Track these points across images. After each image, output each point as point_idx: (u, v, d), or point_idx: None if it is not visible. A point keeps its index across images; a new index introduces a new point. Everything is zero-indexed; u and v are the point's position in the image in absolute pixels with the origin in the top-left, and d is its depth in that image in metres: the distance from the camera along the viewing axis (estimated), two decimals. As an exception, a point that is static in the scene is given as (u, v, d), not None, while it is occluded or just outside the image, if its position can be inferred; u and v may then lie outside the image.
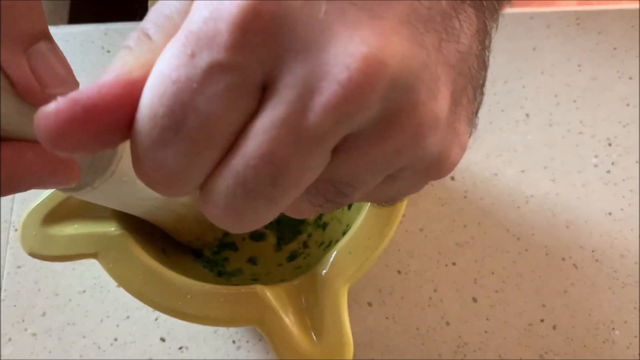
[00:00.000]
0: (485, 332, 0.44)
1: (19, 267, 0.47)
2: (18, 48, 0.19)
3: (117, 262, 0.30)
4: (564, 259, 0.46)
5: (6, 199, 0.49)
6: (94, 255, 0.30)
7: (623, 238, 0.46)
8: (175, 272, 0.30)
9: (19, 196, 0.49)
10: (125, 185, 0.26)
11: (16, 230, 0.47)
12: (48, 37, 0.20)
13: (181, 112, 0.15)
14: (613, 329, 0.44)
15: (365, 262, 0.30)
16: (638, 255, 0.45)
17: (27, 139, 0.19)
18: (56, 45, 0.20)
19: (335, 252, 0.30)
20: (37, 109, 0.17)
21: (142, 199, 0.29)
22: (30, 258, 0.46)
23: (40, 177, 0.19)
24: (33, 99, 0.19)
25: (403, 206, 0.31)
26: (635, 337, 0.43)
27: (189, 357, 0.44)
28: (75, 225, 0.31)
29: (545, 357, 0.43)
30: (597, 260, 0.46)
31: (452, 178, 0.48)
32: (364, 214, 0.31)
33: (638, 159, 0.48)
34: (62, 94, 0.16)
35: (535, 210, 0.47)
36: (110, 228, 0.31)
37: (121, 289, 0.45)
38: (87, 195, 0.25)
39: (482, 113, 0.50)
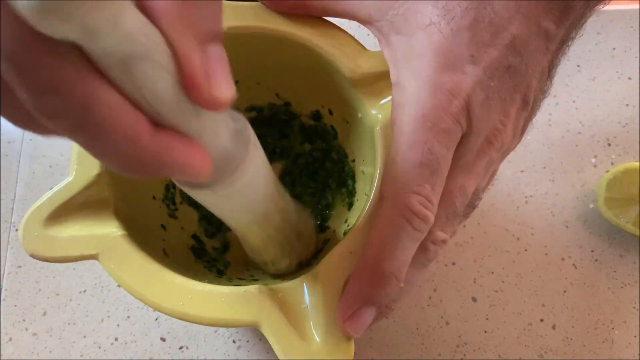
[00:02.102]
0: (485, 331, 0.44)
1: (19, 266, 0.47)
2: (197, 44, 0.19)
3: (118, 263, 0.30)
4: (563, 259, 0.46)
5: (6, 199, 0.49)
6: (95, 257, 0.30)
7: (622, 238, 0.46)
8: (175, 272, 0.30)
9: (19, 196, 0.49)
10: (238, 195, 0.27)
11: (17, 230, 0.47)
12: (220, 40, 0.20)
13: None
14: (612, 328, 0.44)
15: (365, 263, 0.30)
16: (637, 255, 0.46)
17: (175, 128, 0.20)
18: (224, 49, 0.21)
19: (336, 252, 0.30)
20: (190, 104, 0.20)
21: (246, 211, 0.30)
22: (31, 258, 0.47)
23: (181, 166, 0.20)
24: (196, 95, 0.19)
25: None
26: (635, 336, 0.44)
27: (190, 357, 0.44)
28: (77, 227, 0.31)
29: (544, 356, 0.43)
30: (596, 260, 0.46)
31: (452, 178, 0.48)
32: (364, 214, 0.31)
33: (637, 159, 0.48)
34: (223, 98, 0.19)
35: (534, 210, 0.47)
36: (111, 229, 0.31)
37: (122, 289, 0.45)
38: (201, 196, 0.26)
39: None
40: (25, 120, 0.19)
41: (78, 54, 0.17)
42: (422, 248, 0.29)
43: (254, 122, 0.33)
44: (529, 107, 0.30)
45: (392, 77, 0.30)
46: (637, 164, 0.44)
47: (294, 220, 0.36)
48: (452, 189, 0.29)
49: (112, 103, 0.17)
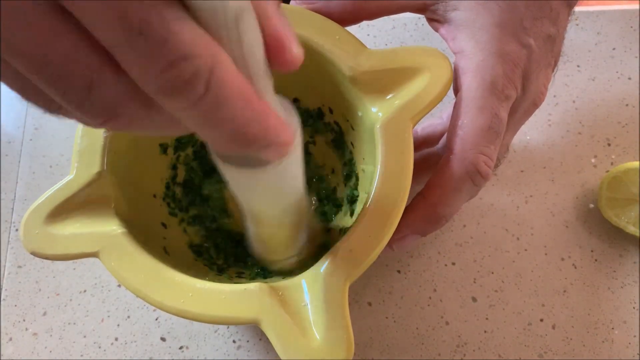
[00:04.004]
0: (485, 331, 0.44)
1: (19, 266, 0.47)
2: (275, 7, 0.19)
3: (118, 261, 0.30)
4: (563, 259, 0.46)
5: (6, 199, 0.49)
6: (95, 254, 0.30)
7: (622, 238, 0.46)
8: (176, 270, 0.30)
9: (19, 196, 0.49)
10: (280, 177, 0.26)
11: (17, 230, 0.47)
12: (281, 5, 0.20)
13: None
14: (612, 328, 0.44)
15: (365, 260, 0.30)
16: (637, 255, 0.46)
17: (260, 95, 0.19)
18: None
19: (336, 250, 0.30)
20: (270, 75, 0.20)
21: (280, 197, 0.29)
22: (31, 258, 0.47)
23: (276, 138, 0.19)
24: (282, 54, 0.19)
25: (403, 205, 0.31)
26: (635, 336, 0.44)
27: (190, 357, 0.44)
28: (77, 224, 0.31)
29: (544, 356, 0.43)
30: (596, 260, 0.46)
31: (452, 178, 0.48)
32: (364, 213, 0.31)
33: (637, 159, 0.48)
34: (301, 57, 0.20)
35: (534, 210, 0.47)
36: (112, 227, 0.31)
37: (122, 289, 0.46)
38: (249, 175, 0.25)
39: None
40: (115, 112, 0.17)
41: (189, 15, 0.16)
42: None
43: None
44: (556, 68, 0.36)
45: (455, 47, 0.34)
46: (638, 163, 0.44)
47: (309, 217, 0.36)
48: (501, 146, 0.33)
49: (230, 65, 0.17)
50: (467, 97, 0.32)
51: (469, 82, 0.32)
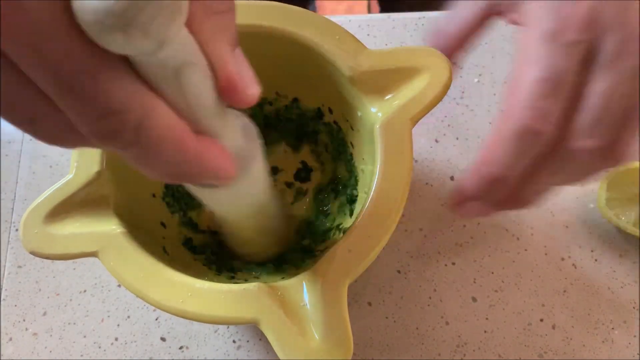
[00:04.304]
0: (485, 331, 0.44)
1: (19, 266, 0.47)
2: (230, 49, 0.20)
3: (118, 260, 0.30)
4: (563, 259, 0.46)
5: (6, 199, 0.49)
6: (94, 254, 0.31)
7: (622, 238, 0.46)
8: (175, 270, 0.30)
9: (19, 196, 0.49)
10: (243, 190, 0.28)
11: (17, 230, 0.47)
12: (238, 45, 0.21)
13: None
14: (612, 328, 0.44)
15: (364, 260, 0.30)
16: (637, 255, 0.46)
17: (207, 131, 0.21)
18: None
19: (335, 250, 0.30)
20: (219, 106, 0.21)
21: (247, 204, 0.32)
22: (31, 258, 0.47)
23: (217, 170, 0.21)
24: (234, 95, 0.21)
25: (402, 205, 0.31)
26: (635, 336, 0.44)
27: (190, 357, 0.44)
28: (77, 224, 0.31)
29: (544, 356, 0.43)
30: (596, 260, 0.46)
31: (452, 178, 0.48)
32: (363, 213, 0.31)
33: (637, 159, 0.48)
34: (255, 95, 0.21)
35: (534, 210, 0.47)
36: (111, 226, 0.31)
37: (122, 289, 0.46)
38: (210, 194, 0.27)
39: (481, 113, 0.51)
40: (59, 137, 0.19)
41: (130, 69, 0.17)
42: (560, 158, 0.30)
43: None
44: None
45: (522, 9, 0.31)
46: (638, 163, 0.44)
47: (281, 207, 0.38)
48: (589, 96, 0.29)
49: (164, 114, 0.18)
50: (522, 51, 0.30)
51: (525, 37, 0.30)
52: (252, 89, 0.21)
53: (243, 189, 0.28)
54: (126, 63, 0.17)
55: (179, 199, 0.41)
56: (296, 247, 0.41)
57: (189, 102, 0.19)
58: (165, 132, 0.18)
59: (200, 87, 0.19)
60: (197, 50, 0.19)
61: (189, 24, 0.18)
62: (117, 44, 0.15)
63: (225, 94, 0.21)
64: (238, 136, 0.25)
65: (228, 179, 0.21)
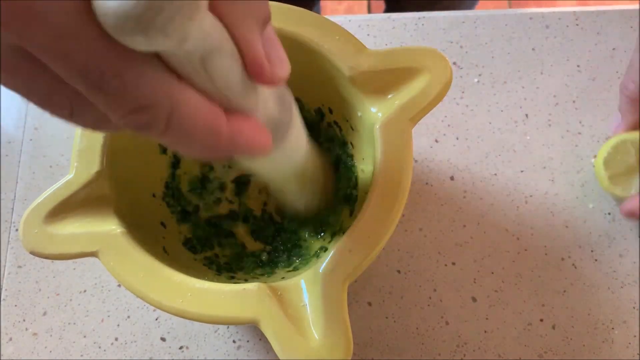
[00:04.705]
0: (485, 331, 0.44)
1: (19, 266, 0.47)
2: (257, 29, 0.21)
3: (117, 260, 0.30)
4: (563, 259, 0.46)
5: (6, 199, 0.49)
6: (94, 254, 0.31)
7: (622, 238, 0.46)
8: (175, 270, 0.30)
9: (19, 196, 0.49)
10: (284, 156, 0.29)
11: (17, 230, 0.47)
12: (271, 22, 0.22)
13: None
14: (612, 328, 0.44)
15: (364, 260, 0.30)
16: (637, 255, 0.46)
17: (239, 108, 0.21)
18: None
19: (334, 250, 0.30)
20: (250, 84, 0.21)
21: (288, 169, 0.33)
22: (31, 258, 0.47)
23: (250, 146, 0.21)
24: (261, 77, 0.21)
25: (402, 205, 0.31)
26: (635, 336, 0.44)
27: (190, 357, 0.44)
28: (77, 224, 0.31)
29: (544, 356, 0.43)
30: (596, 260, 0.46)
31: (452, 178, 0.48)
32: (363, 213, 0.31)
33: (637, 159, 0.48)
34: (283, 75, 0.21)
35: (534, 210, 0.47)
36: (111, 226, 0.31)
37: (122, 289, 0.46)
38: (252, 162, 0.29)
39: (481, 113, 0.51)
40: (99, 125, 0.20)
41: (157, 62, 0.18)
42: None
43: None
44: None
45: None
46: (621, 135, 0.45)
47: (322, 168, 0.39)
48: None
49: (194, 103, 0.19)
50: None
51: None
52: (280, 69, 0.21)
53: (282, 156, 0.29)
54: (153, 57, 0.18)
55: (179, 198, 0.41)
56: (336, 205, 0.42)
57: (217, 86, 0.20)
58: (196, 119, 0.19)
59: (227, 71, 0.20)
60: (223, 35, 0.19)
61: (217, 9, 0.19)
62: (139, 44, 0.16)
63: (253, 75, 0.21)
64: (272, 106, 0.25)
65: (264, 151, 0.22)
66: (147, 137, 0.19)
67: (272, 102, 0.25)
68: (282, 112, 0.26)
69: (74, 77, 0.17)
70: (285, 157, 0.30)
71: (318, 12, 0.90)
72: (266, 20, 0.21)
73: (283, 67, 0.22)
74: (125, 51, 0.16)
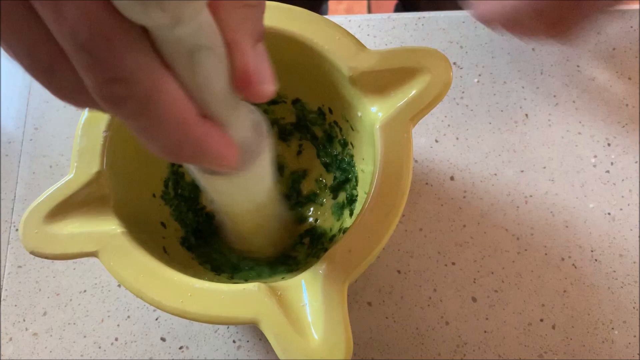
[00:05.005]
0: (485, 331, 0.44)
1: (19, 266, 0.47)
2: (251, 41, 0.21)
3: (117, 260, 0.30)
4: (563, 259, 0.46)
5: (6, 199, 0.49)
6: (94, 254, 0.31)
7: (622, 238, 0.46)
8: (175, 270, 0.30)
9: (19, 196, 0.49)
10: (246, 184, 0.29)
11: (17, 230, 0.47)
12: (264, 39, 0.22)
13: None
14: (612, 328, 0.44)
15: (364, 260, 0.30)
16: (637, 255, 0.46)
17: (214, 117, 0.21)
18: None
19: (335, 250, 0.30)
20: (231, 96, 0.21)
21: (247, 200, 0.32)
22: (31, 258, 0.47)
23: (216, 156, 0.21)
24: (247, 88, 0.21)
25: (402, 205, 0.31)
26: (635, 336, 0.44)
27: (190, 357, 0.44)
28: (76, 224, 0.31)
29: (544, 356, 0.43)
30: (596, 260, 0.46)
31: (452, 178, 0.48)
32: (363, 213, 0.31)
33: (637, 159, 0.48)
34: (269, 92, 0.21)
35: (534, 210, 0.47)
36: (111, 226, 0.31)
37: (122, 289, 0.46)
38: (213, 182, 0.28)
39: (481, 113, 0.51)
40: (71, 96, 0.19)
41: (147, 43, 0.18)
42: None
43: None
44: None
45: None
46: None
47: (280, 212, 0.38)
48: None
49: (172, 91, 0.18)
50: None
51: None
52: (267, 86, 0.21)
53: (244, 182, 0.28)
54: (145, 36, 0.18)
55: (180, 197, 0.41)
56: (290, 252, 0.42)
57: (198, 83, 0.20)
58: (171, 109, 0.18)
59: (212, 72, 0.20)
60: (217, 37, 0.19)
61: (217, 12, 0.19)
62: (134, 13, 0.16)
63: (239, 85, 0.21)
64: (247, 129, 0.25)
65: (228, 166, 0.22)
66: (115, 115, 0.18)
67: (247, 125, 0.25)
68: (255, 138, 0.26)
69: (64, 31, 0.16)
70: (247, 185, 0.29)
71: (325, 12, 0.90)
72: (260, 36, 0.21)
73: (269, 84, 0.21)
74: (120, 19, 0.16)
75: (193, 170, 0.27)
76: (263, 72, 0.21)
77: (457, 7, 0.54)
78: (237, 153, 0.22)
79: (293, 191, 0.45)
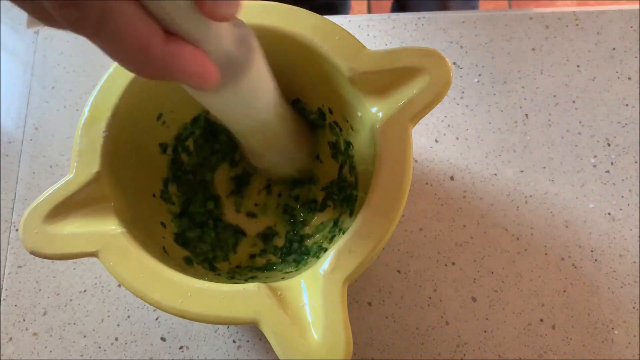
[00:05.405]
0: (485, 331, 0.44)
1: (20, 266, 0.47)
2: None
3: (117, 260, 0.30)
4: (563, 259, 0.46)
5: (6, 199, 0.49)
6: (94, 254, 0.31)
7: (622, 238, 0.46)
8: (175, 270, 0.30)
9: (19, 196, 0.49)
10: (240, 98, 0.29)
11: (17, 230, 0.47)
12: None
13: None
14: (612, 328, 0.44)
15: (364, 260, 0.30)
16: (637, 255, 0.45)
17: (185, 35, 0.22)
18: None
19: (334, 250, 0.30)
20: (201, 14, 0.21)
21: (247, 116, 0.32)
22: (31, 257, 0.47)
23: (189, 74, 0.22)
24: (203, 9, 0.21)
25: (402, 205, 0.31)
26: (635, 336, 0.44)
27: (190, 357, 0.44)
28: (77, 224, 0.31)
29: (544, 356, 0.43)
30: (596, 260, 0.46)
31: (452, 178, 0.48)
32: (363, 213, 0.31)
33: (637, 159, 0.48)
34: (227, 13, 0.21)
35: (534, 210, 0.47)
36: (111, 226, 0.31)
37: (122, 289, 0.46)
38: (207, 98, 0.28)
39: (481, 113, 0.51)
40: (47, 19, 0.20)
41: None
42: None
43: None
44: None
45: None
46: None
47: (293, 130, 0.38)
48: None
49: (127, 13, 0.19)
50: None
51: None
52: (225, 7, 0.21)
53: (235, 98, 0.28)
54: None
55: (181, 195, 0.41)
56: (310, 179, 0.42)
57: (161, 3, 0.20)
58: (128, 30, 0.19)
59: None
60: None
61: None
62: None
63: (199, 5, 0.21)
64: (227, 42, 0.25)
65: (207, 83, 0.22)
66: (82, 37, 0.19)
67: (228, 39, 0.25)
68: (239, 50, 0.26)
69: None
70: (241, 101, 0.29)
71: (347, 10, 0.90)
72: None
73: (230, 5, 0.22)
74: None
75: (187, 89, 0.27)
76: None
77: (441, 7, 0.54)
78: (214, 68, 0.22)
79: None
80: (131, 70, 0.21)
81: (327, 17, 0.35)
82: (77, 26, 0.19)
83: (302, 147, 0.41)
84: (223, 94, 0.27)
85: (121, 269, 0.30)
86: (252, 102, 0.30)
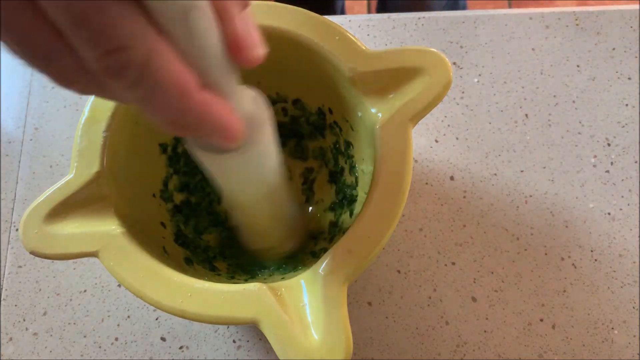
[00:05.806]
0: (485, 331, 0.44)
1: (20, 266, 0.47)
2: (238, 9, 0.21)
3: (117, 261, 0.30)
4: (562, 259, 0.46)
5: (6, 199, 0.49)
6: (94, 254, 0.30)
7: (622, 238, 0.46)
8: (175, 270, 0.30)
9: (19, 196, 0.49)
10: (254, 160, 0.28)
11: (17, 230, 0.47)
12: (249, 8, 0.22)
13: None
14: (612, 328, 0.44)
15: (364, 261, 0.30)
16: (637, 255, 0.46)
17: (214, 87, 0.21)
18: None
19: (334, 251, 0.30)
20: (227, 63, 0.21)
21: (258, 180, 0.31)
22: (31, 258, 0.47)
23: (219, 127, 0.21)
24: (239, 54, 0.21)
25: (402, 205, 0.31)
26: (634, 336, 0.44)
27: (190, 357, 0.44)
28: (77, 224, 0.31)
29: (544, 356, 0.43)
30: (596, 260, 0.46)
31: (452, 178, 0.48)
32: (363, 213, 0.31)
33: (637, 159, 0.48)
34: (260, 55, 0.21)
35: (534, 210, 0.47)
36: (111, 226, 0.31)
37: (122, 289, 0.46)
38: (220, 161, 0.27)
39: (481, 113, 0.51)
40: (72, 79, 0.19)
41: (139, 8, 0.18)
42: None
43: None
44: None
45: None
46: None
47: (293, 199, 0.38)
48: None
49: (170, 58, 0.19)
50: None
51: None
52: (258, 49, 0.22)
53: (252, 158, 0.28)
54: (137, 4, 0.18)
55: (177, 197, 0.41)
56: (307, 250, 0.41)
57: (196, 45, 0.20)
58: (170, 75, 0.19)
59: (207, 34, 0.20)
60: (208, 2, 0.19)
61: None
62: None
63: (232, 49, 0.21)
64: (247, 100, 0.25)
65: (234, 138, 0.22)
66: (117, 92, 0.19)
67: (247, 97, 0.25)
68: (255, 110, 0.26)
69: (59, 6, 0.17)
70: (256, 162, 0.29)
71: (343, 10, 0.89)
72: (246, 3, 0.22)
73: (260, 47, 0.22)
74: None
75: (199, 155, 0.26)
76: (252, 36, 0.21)
77: (425, 7, 0.54)
78: (241, 124, 0.22)
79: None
80: (165, 123, 0.20)
81: (327, 17, 0.35)
82: (119, 74, 0.18)
83: (300, 217, 0.41)
84: (241, 154, 0.26)
85: (121, 269, 0.30)
86: (265, 163, 0.30)
